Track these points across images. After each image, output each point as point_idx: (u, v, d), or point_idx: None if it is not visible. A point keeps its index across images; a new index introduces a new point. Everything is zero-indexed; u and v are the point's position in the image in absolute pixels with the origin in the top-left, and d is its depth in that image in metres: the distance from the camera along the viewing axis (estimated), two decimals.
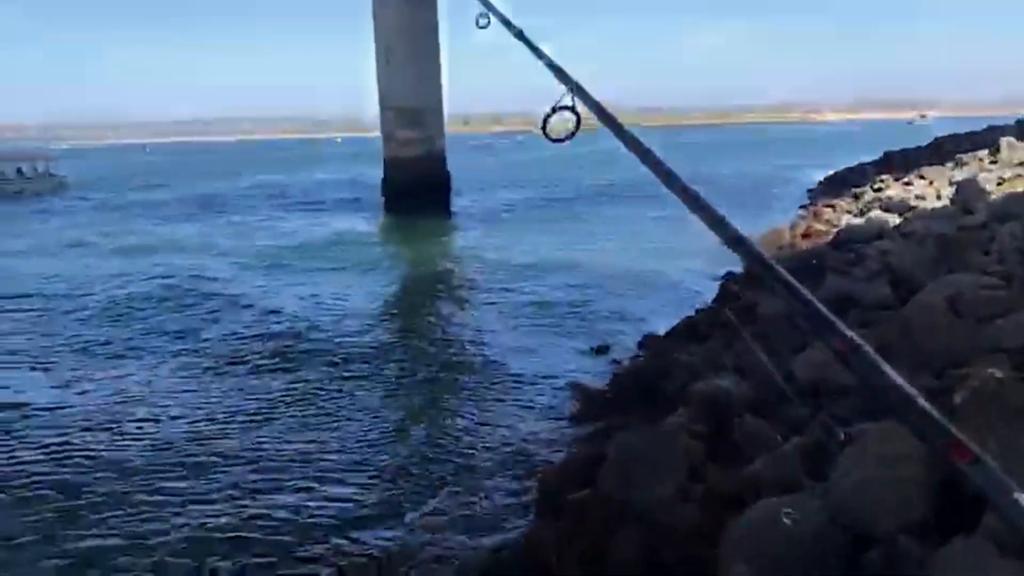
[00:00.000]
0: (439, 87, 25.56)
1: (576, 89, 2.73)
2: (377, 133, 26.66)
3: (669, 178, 1.76)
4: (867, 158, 27.65)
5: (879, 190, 16.19)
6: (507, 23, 3.85)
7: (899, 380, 0.98)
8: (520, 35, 3.63)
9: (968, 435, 3.20)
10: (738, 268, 12.84)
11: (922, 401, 0.94)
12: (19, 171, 38.50)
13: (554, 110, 2.17)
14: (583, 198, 28.21)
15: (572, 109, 2.13)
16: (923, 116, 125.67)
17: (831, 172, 27.50)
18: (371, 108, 25.66)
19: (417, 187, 23.88)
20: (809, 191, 25.50)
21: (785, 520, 3.16)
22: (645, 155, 1.86)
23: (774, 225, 15.82)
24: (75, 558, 4.71)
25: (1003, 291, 5.39)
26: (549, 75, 3.00)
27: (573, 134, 2.27)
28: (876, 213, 12.61)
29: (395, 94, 24.54)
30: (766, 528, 3.15)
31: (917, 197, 13.30)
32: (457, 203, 26.09)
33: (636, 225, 20.01)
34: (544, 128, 2.18)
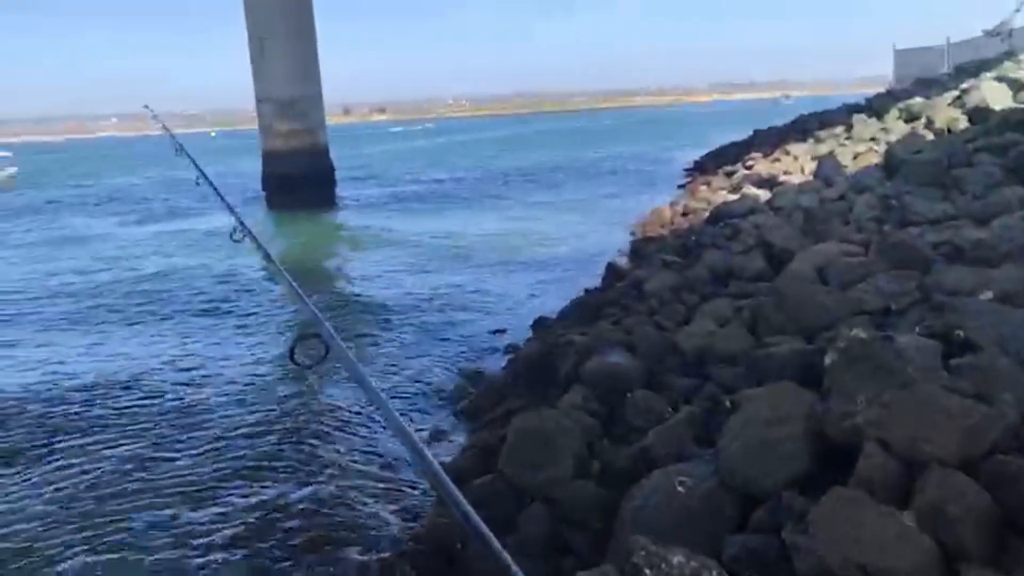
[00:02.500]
0: (317, 76, 24.90)
1: None
2: (254, 127, 25.72)
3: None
4: (738, 137, 28.98)
5: (750, 167, 17.02)
6: None
7: None
8: None
9: (838, 393, 3.42)
10: (623, 247, 13.31)
11: None
12: None
13: None
14: (469, 185, 28.25)
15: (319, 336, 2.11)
16: (787, 96, 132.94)
17: (705, 151, 28.66)
18: (247, 101, 24.69)
19: (299, 179, 23.26)
20: (686, 170, 26.51)
21: (679, 488, 3.29)
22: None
23: (656, 204, 16.36)
24: None
25: (862, 257, 5.79)
26: None
27: None
28: (748, 189, 13.26)
29: (271, 85, 23.73)
30: (661, 497, 3.27)
31: (784, 173, 14.08)
32: (341, 194, 25.55)
33: (521, 210, 20.23)
34: None
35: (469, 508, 1.26)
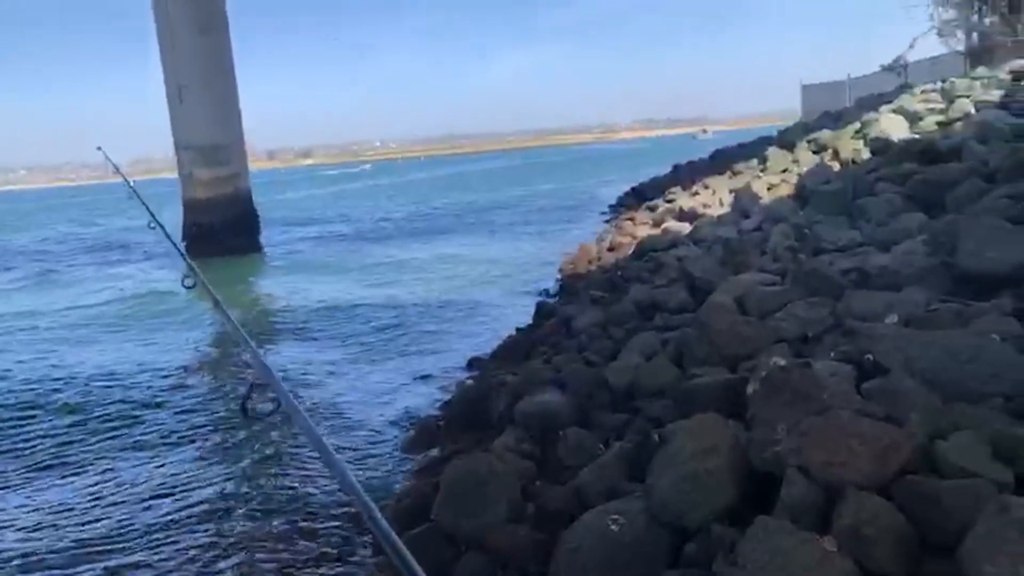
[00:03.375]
0: (239, 122, 24.56)
1: None
2: (172, 174, 25.11)
3: None
4: (659, 172, 29.88)
5: (671, 201, 17.50)
6: None
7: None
8: None
9: (761, 421, 3.51)
10: (552, 285, 13.46)
11: None
12: None
13: None
14: (393, 228, 28.17)
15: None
16: (704, 131, 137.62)
17: (629, 187, 29.39)
18: (164, 149, 24.15)
19: (222, 228, 22.76)
20: (611, 206, 27.10)
21: (612, 527, 3.30)
22: None
23: (582, 240, 16.62)
24: None
25: (779, 287, 6.00)
26: None
27: None
28: (670, 223, 13.63)
29: (191, 132, 23.25)
30: (595, 538, 3.28)
31: (704, 206, 14.53)
32: (266, 241, 25.11)
33: (448, 250, 20.25)
34: None
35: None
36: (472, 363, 8.64)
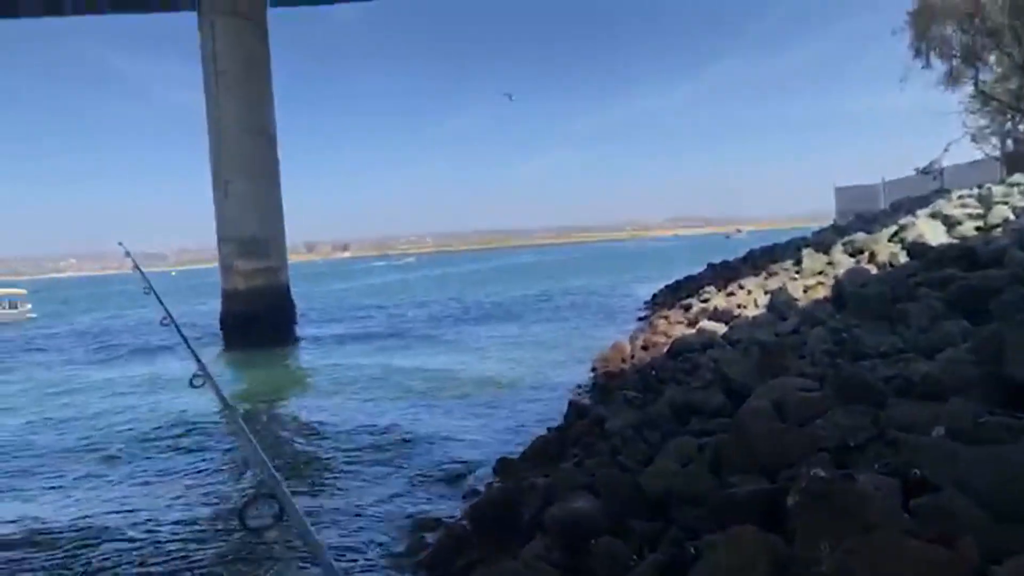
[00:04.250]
0: (280, 216, 25.37)
1: None
2: (215, 264, 25.81)
3: None
4: (693, 271, 29.88)
5: (706, 300, 17.45)
6: None
7: None
8: None
9: (803, 536, 3.35)
10: (585, 382, 13.31)
11: None
12: None
13: None
14: (428, 321, 28.36)
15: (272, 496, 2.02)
16: (739, 230, 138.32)
17: (663, 285, 29.39)
18: (208, 240, 24.92)
19: (259, 319, 23.13)
20: (645, 303, 27.06)
21: None
22: None
23: (616, 338, 16.53)
24: None
25: (817, 392, 5.85)
26: None
27: None
28: (705, 323, 13.53)
29: (234, 225, 24.04)
30: None
31: (739, 306, 14.44)
32: (303, 332, 25.43)
33: (483, 344, 20.26)
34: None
35: None
36: (501, 464, 8.45)
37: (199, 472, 9.75)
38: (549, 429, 9.17)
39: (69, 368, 21.47)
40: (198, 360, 4.13)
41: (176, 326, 5.61)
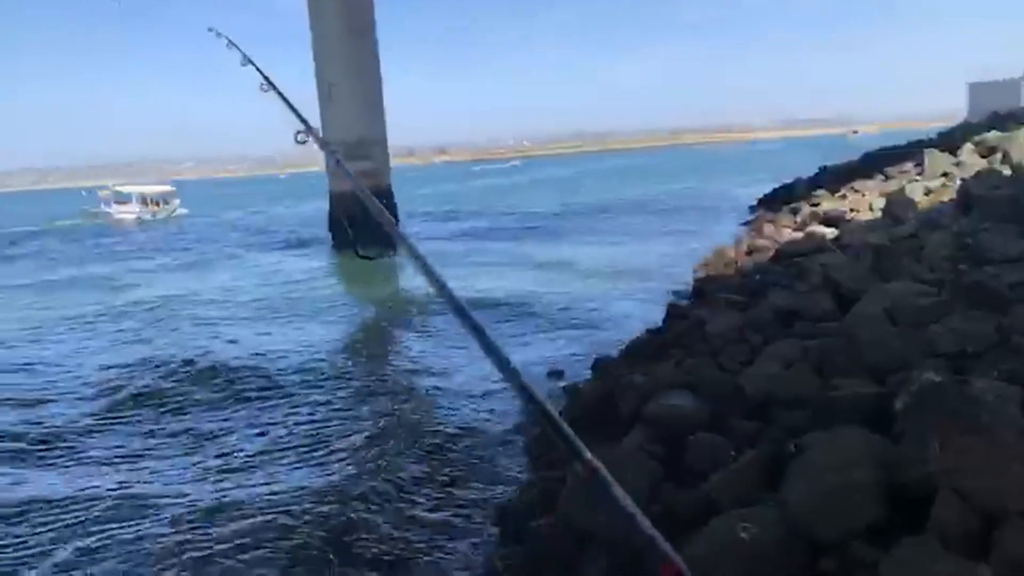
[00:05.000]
0: (383, 119, 25.66)
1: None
2: (320, 168, 26.57)
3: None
4: (800, 174, 28.46)
5: (816, 205, 16.69)
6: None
7: (626, 502, 1.05)
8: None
9: (910, 438, 3.30)
10: (684, 287, 13.16)
11: (645, 523, 1.01)
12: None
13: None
14: (525, 225, 28.46)
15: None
16: (855, 132, 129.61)
17: (770, 189, 28.23)
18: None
19: (364, 220, 23.83)
20: (750, 208, 26.15)
21: (742, 534, 3.21)
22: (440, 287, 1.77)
23: (719, 243, 16.16)
24: None
25: (935, 298, 5.60)
26: None
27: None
28: (814, 227, 13.01)
29: (339, 129, 24.48)
30: (724, 543, 3.20)
31: (852, 210, 13.77)
32: (406, 231, 26.11)
33: (579, 249, 20.23)
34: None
35: (555, 414, 1.25)
36: (598, 363, 8.59)
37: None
38: (648, 331, 9.20)
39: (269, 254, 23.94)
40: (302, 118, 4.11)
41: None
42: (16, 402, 9.12)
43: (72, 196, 59.42)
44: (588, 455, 1.15)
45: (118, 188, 48.42)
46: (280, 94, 4.12)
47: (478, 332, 1.48)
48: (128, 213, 44.03)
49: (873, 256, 8.26)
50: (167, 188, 49.14)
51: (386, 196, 25.58)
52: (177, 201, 46.89)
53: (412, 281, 17.86)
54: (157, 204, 45.43)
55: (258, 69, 4.56)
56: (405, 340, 11.63)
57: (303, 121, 3.68)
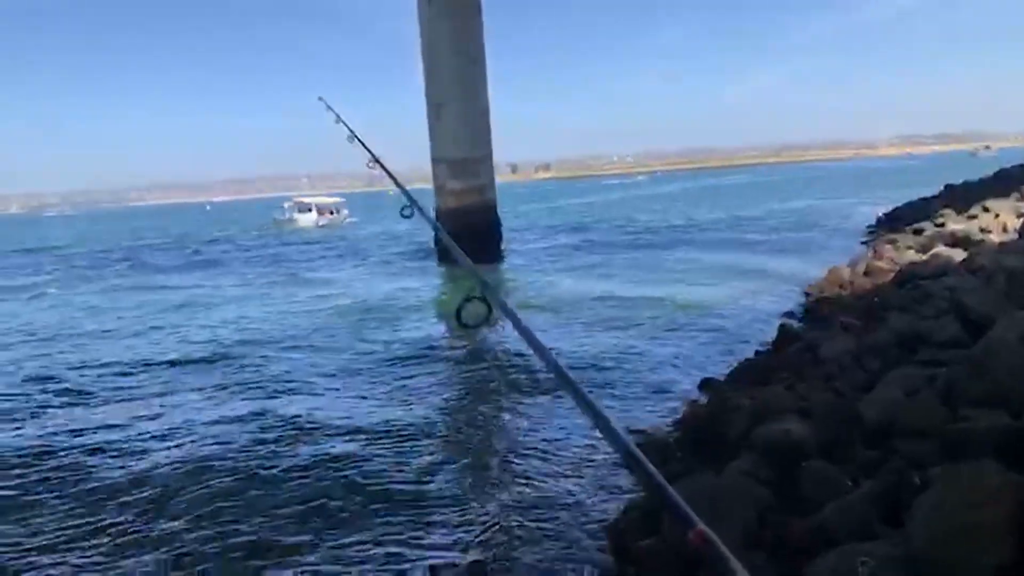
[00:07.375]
0: (488, 138, 26.09)
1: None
2: (428, 185, 27.28)
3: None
4: (925, 192, 26.94)
5: (941, 225, 15.76)
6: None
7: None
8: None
9: None
10: (796, 307, 12.68)
11: None
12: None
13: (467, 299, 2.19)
14: (633, 241, 28.20)
15: (483, 299, 2.13)
16: (987, 147, 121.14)
17: (890, 208, 26.85)
18: (409, 160, 26.38)
19: (469, 236, 24.26)
20: (868, 227, 24.96)
21: (861, 569, 3.05)
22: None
23: (833, 263, 15.47)
24: None
25: None
26: None
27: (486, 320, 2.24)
28: (940, 249, 12.27)
29: (446, 148, 25.10)
30: None
31: (982, 231, 12.91)
32: (508, 250, 26.38)
33: (688, 266, 19.84)
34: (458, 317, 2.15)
35: (663, 481, 1.18)
36: (706, 383, 8.39)
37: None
38: (757, 352, 8.92)
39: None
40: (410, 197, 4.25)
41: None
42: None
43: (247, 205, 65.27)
44: (700, 524, 1.07)
45: (300, 199, 55.42)
46: (387, 170, 4.51)
47: (589, 407, 1.43)
48: (308, 221, 49.64)
49: (1007, 280, 7.72)
50: (338, 199, 55.34)
51: (491, 212, 25.98)
52: (347, 211, 52.42)
53: (510, 291, 18.09)
54: (331, 213, 51.05)
55: (364, 145, 4.88)
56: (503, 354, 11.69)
57: (408, 196, 4.06)
